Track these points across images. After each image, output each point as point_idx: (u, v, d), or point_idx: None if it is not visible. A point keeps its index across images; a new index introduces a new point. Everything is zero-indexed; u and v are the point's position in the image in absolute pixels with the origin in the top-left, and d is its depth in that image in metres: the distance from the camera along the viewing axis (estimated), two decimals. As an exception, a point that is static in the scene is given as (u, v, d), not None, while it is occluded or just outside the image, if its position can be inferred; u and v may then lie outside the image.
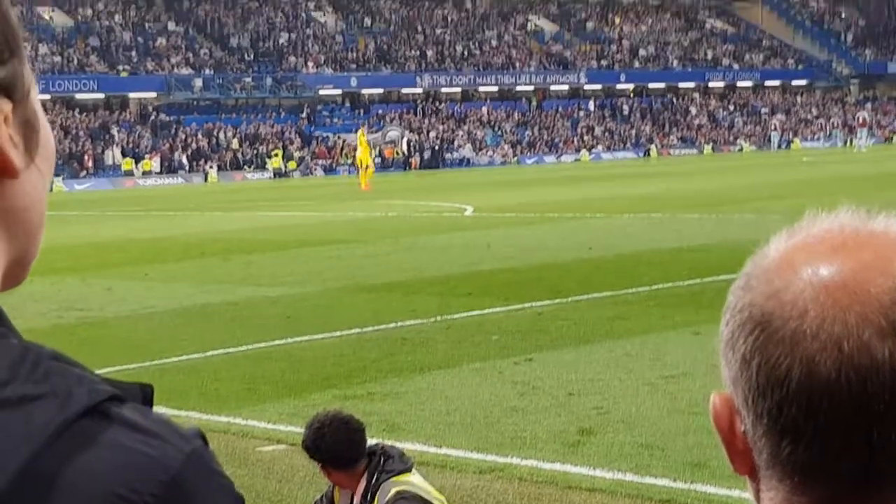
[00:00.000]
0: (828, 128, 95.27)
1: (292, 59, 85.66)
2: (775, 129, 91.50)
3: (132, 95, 78.20)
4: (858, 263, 1.10)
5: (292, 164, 74.33)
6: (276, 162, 73.61)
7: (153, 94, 77.89)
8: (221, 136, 76.28)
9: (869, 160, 56.67)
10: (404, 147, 78.79)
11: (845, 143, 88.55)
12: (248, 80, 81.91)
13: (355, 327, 14.36)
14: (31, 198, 1.15)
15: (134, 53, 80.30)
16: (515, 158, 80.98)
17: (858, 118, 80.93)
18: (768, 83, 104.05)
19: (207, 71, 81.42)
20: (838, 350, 1.07)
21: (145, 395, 1.07)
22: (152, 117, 76.28)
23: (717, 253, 20.09)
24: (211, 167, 71.90)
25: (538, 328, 13.87)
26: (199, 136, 75.65)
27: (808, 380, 1.08)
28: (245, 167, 73.74)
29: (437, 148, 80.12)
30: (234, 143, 75.88)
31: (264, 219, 34.19)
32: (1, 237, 1.13)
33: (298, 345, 13.56)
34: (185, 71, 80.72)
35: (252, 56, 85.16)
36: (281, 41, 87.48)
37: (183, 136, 75.17)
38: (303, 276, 19.72)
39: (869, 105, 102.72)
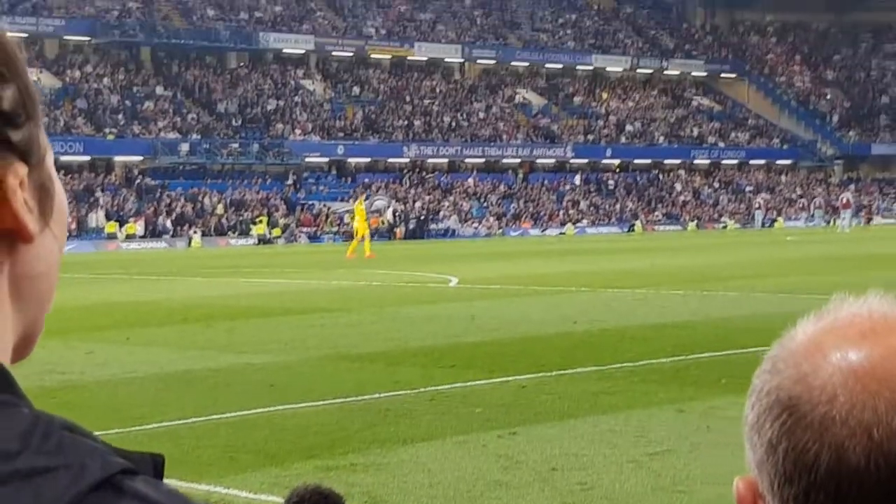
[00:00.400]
0: (811, 208, 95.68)
1: (279, 125, 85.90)
2: (759, 207, 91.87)
3: (118, 158, 78.30)
4: (888, 349, 1.09)
5: (277, 231, 74.31)
6: (260, 228, 73.61)
7: (139, 158, 77.97)
8: (206, 201, 76.29)
9: (852, 241, 56.85)
10: (390, 216, 78.85)
11: (828, 223, 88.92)
12: (235, 145, 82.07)
13: (338, 397, 14.28)
14: (46, 264, 1.13)
15: (121, 116, 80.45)
16: (500, 230, 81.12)
17: (842, 199, 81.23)
18: (753, 161, 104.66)
19: (194, 136, 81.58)
20: (868, 437, 1.05)
21: (156, 466, 1.05)
22: (137, 181, 76.31)
23: (702, 330, 20.09)
24: (195, 232, 71.85)
25: (522, 402, 13.80)
26: (184, 200, 75.65)
27: (837, 466, 1.06)
28: (229, 233, 73.70)
29: (422, 218, 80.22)
30: (219, 209, 75.87)
31: (248, 285, 34.12)
32: (13, 306, 1.11)
33: (281, 413, 13.47)
34: (172, 135, 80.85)
35: (239, 122, 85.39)
36: (269, 108, 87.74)
37: (167, 201, 75.16)
38: (286, 344, 19.64)
39: (852, 186, 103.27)
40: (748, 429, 1.15)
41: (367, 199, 71.76)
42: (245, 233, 73.91)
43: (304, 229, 75.99)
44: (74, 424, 1.05)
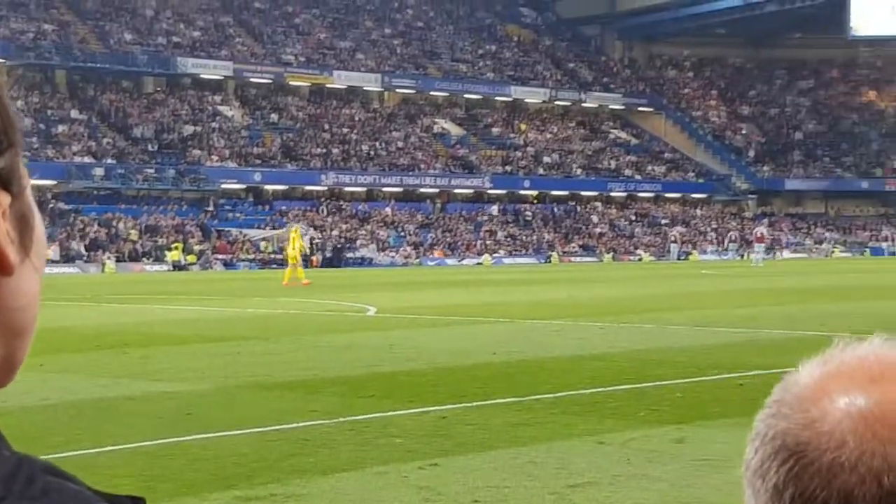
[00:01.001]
0: (725, 241, 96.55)
1: (196, 151, 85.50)
2: (675, 240, 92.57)
3: (31, 182, 77.39)
4: None
5: (192, 258, 73.85)
6: (175, 255, 73.12)
7: (52, 182, 77.19)
8: (121, 226, 75.67)
9: (764, 275, 57.35)
10: (306, 244, 78.56)
11: (742, 256, 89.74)
12: (151, 171, 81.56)
13: (257, 426, 14.12)
14: (26, 296, 1.10)
15: (34, 139, 79.64)
16: (417, 260, 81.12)
17: (756, 233, 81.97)
18: (668, 194, 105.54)
19: (109, 160, 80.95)
20: (878, 484, 1.04)
21: None
22: (50, 205, 75.54)
23: (619, 362, 20.11)
24: (109, 258, 71.19)
25: (442, 432, 13.71)
26: (98, 225, 74.99)
27: None
28: (144, 259, 73.10)
29: (339, 246, 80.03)
30: (133, 235, 75.26)
31: (162, 312, 33.80)
32: None
33: (198, 442, 13.28)
34: (86, 159, 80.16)
35: (155, 147, 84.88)
36: (185, 133, 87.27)
37: (81, 226, 74.45)
38: (202, 372, 19.42)
39: (766, 220, 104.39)
40: (751, 473, 1.12)
41: (270, 224, 71.50)
42: (160, 259, 73.35)
43: (220, 256, 75.57)
44: (56, 467, 1.03)
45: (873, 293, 39.41)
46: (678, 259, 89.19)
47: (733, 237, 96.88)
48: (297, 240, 53.27)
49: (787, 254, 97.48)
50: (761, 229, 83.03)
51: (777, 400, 1.14)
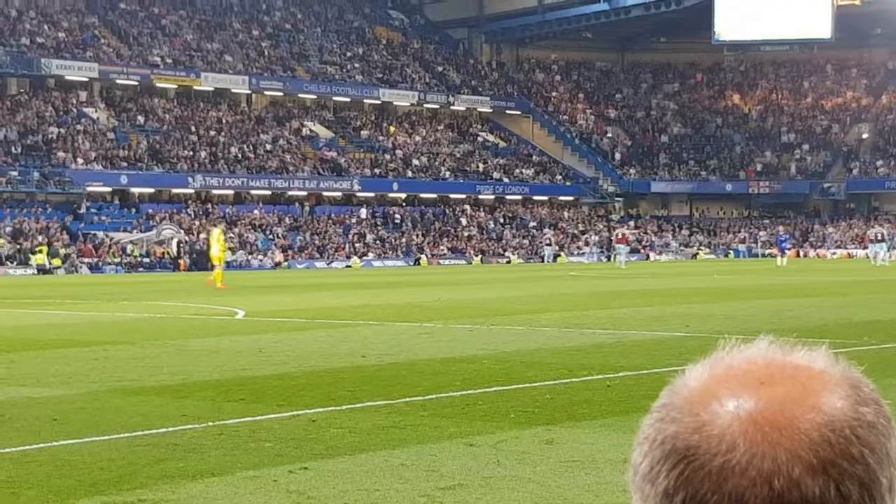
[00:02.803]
0: (590, 244, 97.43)
1: (61, 154, 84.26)
2: (549, 243, 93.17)
3: None
4: (786, 397, 1.08)
5: (57, 262, 72.82)
6: (40, 258, 72.05)
7: (-86, 185, 75.69)
8: (-16, 229, 74.42)
9: (629, 276, 58.01)
10: (174, 248, 77.91)
11: (608, 258, 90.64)
12: (14, 173, 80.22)
13: (124, 431, 13.97)
14: None
15: None
16: (286, 263, 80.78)
17: (617, 234, 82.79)
18: (537, 197, 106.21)
19: (-28, 163, 79.57)
20: (769, 487, 1.04)
21: None
22: (-88, 208, 74.11)
23: (489, 364, 20.21)
24: (-28, 261, 69.99)
25: (312, 436, 13.69)
26: (-39, 228, 73.72)
27: None
28: (7, 263, 71.92)
29: (206, 249, 79.43)
30: (3, 242, 74.06)
31: (27, 316, 33.32)
32: None
33: (65, 448, 13.11)
34: (-51, 162, 78.75)
35: (19, 149, 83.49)
36: (50, 135, 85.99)
37: (-57, 229, 73.18)
38: (68, 377, 19.18)
39: (632, 223, 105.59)
40: (639, 478, 1.11)
41: (139, 227, 70.79)
42: (24, 262, 72.23)
43: (86, 259, 74.60)
44: None
45: (733, 294, 40.07)
46: (554, 262, 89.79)
47: (594, 240, 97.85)
48: (221, 242, 52.89)
49: (653, 255, 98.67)
50: (622, 230, 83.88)
51: (665, 404, 1.12)
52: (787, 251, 78.57)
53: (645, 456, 1.11)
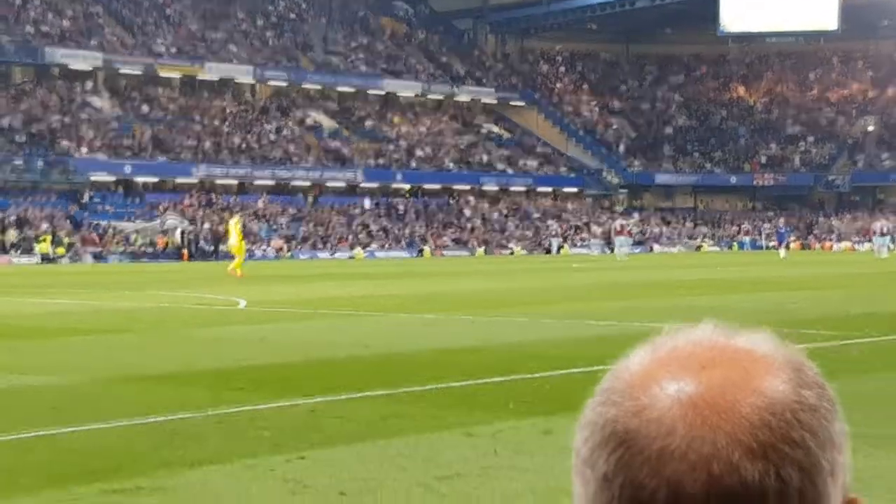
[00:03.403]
0: (590, 236, 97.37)
1: (65, 142, 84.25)
2: (556, 234, 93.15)
3: None
4: (727, 381, 1.07)
5: (61, 250, 72.85)
6: (44, 247, 72.08)
7: (-82, 173, 75.73)
8: (-12, 218, 74.48)
9: (629, 268, 57.99)
10: (178, 237, 77.94)
11: (612, 250, 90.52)
12: (19, 162, 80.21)
13: (124, 419, 13.99)
14: None
15: None
16: (289, 253, 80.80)
17: (616, 226, 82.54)
18: (541, 188, 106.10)
19: (-24, 151, 79.57)
20: (707, 472, 1.03)
21: None
22: (-84, 196, 74.16)
23: (490, 355, 20.22)
24: (-25, 250, 70.06)
25: (311, 425, 13.70)
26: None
27: (675, 501, 1.03)
28: (11, 251, 71.96)
29: (209, 239, 79.47)
30: (13, 235, 74.12)
31: (30, 305, 33.35)
32: None
33: (64, 436, 13.14)
34: (-47, 150, 78.78)
35: (24, 138, 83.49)
36: (54, 124, 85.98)
37: (-53, 218, 73.24)
38: (70, 365, 19.21)
39: (637, 214, 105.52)
40: (580, 462, 1.11)
41: (141, 216, 70.87)
42: (28, 251, 72.28)
43: (90, 248, 74.64)
44: None
45: (735, 287, 40.07)
46: (558, 253, 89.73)
47: (596, 232, 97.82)
48: (237, 231, 53.04)
49: (657, 247, 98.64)
50: (620, 222, 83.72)
51: (607, 388, 1.12)
52: (787, 243, 78.48)
53: (586, 440, 1.11)
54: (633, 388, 1.09)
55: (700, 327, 1.14)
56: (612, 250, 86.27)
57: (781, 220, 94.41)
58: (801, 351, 1.14)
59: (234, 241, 52.62)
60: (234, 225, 53.84)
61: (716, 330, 1.14)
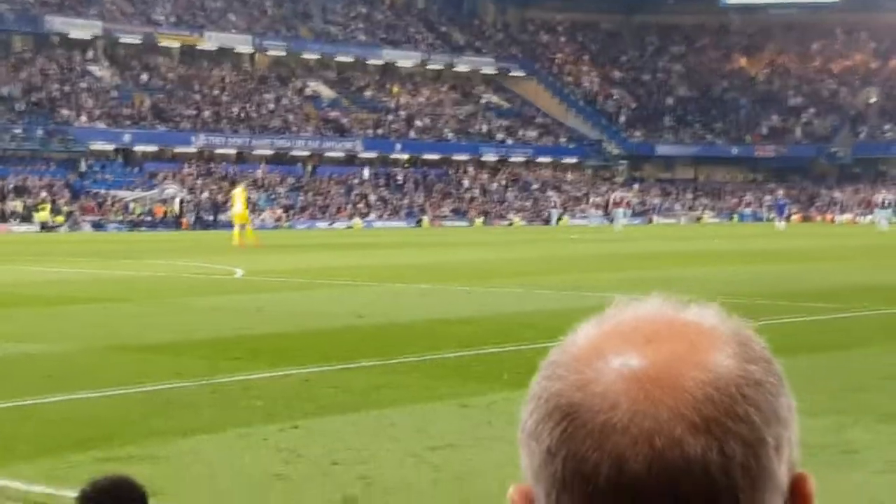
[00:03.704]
0: (590, 207, 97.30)
1: (65, 111, 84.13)
2: (555, 206, 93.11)
3: None
4: (672, 355, 1.06)
5: (60, 219, 72.82)
6: (43, 215, 72.05)
7: (-83, 141, 75.60)
8: (-12, 186, 74.44)
9: (627, 239, 57.98)
10: (176, 206, 77.91)
11: (611, 221, 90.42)
12: (18, 130, 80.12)
13: (118, 387, 14.03)
14: None
15: None
16: (288, 222, 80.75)
17: (615, 198, 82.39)
18: (540, 159, 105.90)
19: (-25, 120, 79.44)
20: (649, 446, 1.02)
21: None
22: (-85, 164, 74.06)
23: (485, 325, 20.25)
24: (-26, 218, 70.03)
25: (305, 395, 13.74)
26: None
27: (618, 475, 1.03)
28: (11, 219, 71.95)
29: (208, 208, 79.45)
30: (19, 205, 74.10)
31: (28, 273, 33.38)
32: None
33: (58, 404, 13.18)
34: (-48, 118, 78.65)
35: (23, 107, 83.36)
36: (54, 93, 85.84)
37: (-54, 185, 73.17)
38: (65, 334, 19.25)
39: (637, 185, 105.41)
40: (525, 436, 1.09)
41: (141, 186, 70.83)
42: (27, 219, 72.28)
43: (88, 217, 74.63)
44: None
45: (734, 258, 40.11)
46: (557, 224, 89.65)
47: (595, 203, 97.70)
48: (243, 200, 53.18)
49: (657, 219, 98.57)
50: (619, 193, 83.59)
51: (553, 361, 1.10)
52: (788, 215, 78.44)
53: (531, 413, 1.09)
54: (578, 361, 1.08)
55: (648, 300, 1.13)
56: (612, 221, 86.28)
57: (780, 192, 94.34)
58: (750, 325, 1.12)
59: (240, 209, 52.70)
60: (241, 193, 53.94)
61: (664, 303, 1.12)
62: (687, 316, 1.11)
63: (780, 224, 74.71)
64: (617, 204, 78.91)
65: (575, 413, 1.05)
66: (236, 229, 51.94)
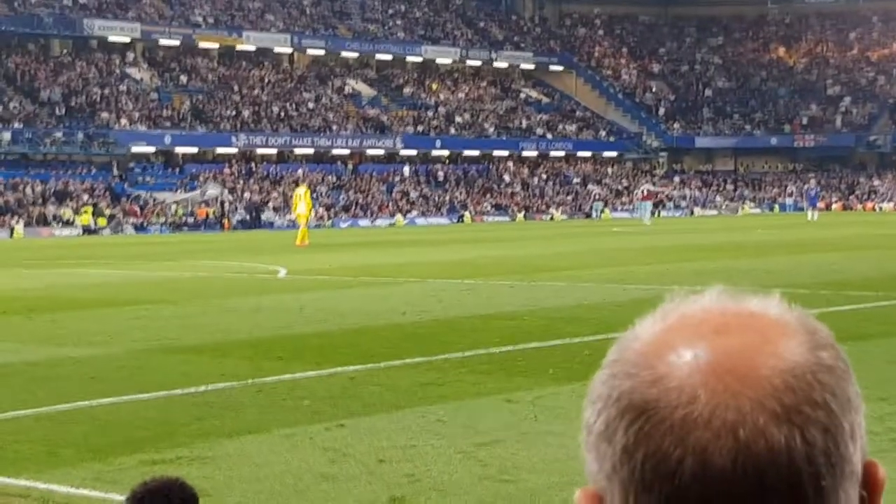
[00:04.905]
0: (633, 200, 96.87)
1: (105, 114, 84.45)
2: (597, 199, 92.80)
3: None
4: (745, 346, 1.05)
5: (102, 222, 73.14)
6: (85, 219, 72.38)
7: (-40, 147, 76.03)
8: (29, 190, 74.76)
9: (668, 232, 57.71)
10: (219, 207, 78.12)
11: (654, 214, 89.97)
12: (59, 134, 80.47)
13: (163, 390, 14.03)
14: None
15: (-59, 104, 78.46)
16: (330, 221, 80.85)
17: (643, 191, 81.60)
18: (580, 153, 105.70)
19: (16, 124, 79.78)
20: (734, 438, 1.01)
21: None
22: (-42, 170, 74.49)
23: (529, 320, 20.18)
24: (17, 222, 70.33)
25: (350, 393, 13.70)
26: (4, 189, 74.07)
27: (702, 470, 1.01)
28: (53, 223, 72.31)
29: (250, 208, 79.61)
30: (42, 199, 74.42)
31: (71, 276, 33.47)
32: None
33: (103, 407, 13.18)
34: (-6, 124, 79.03)
35: (63, 110, 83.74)
36: (94, 96, 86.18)
37: (-12, 191, 73.57)
38: (109, 337, 19.26)
39: (677, 178, 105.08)
40: (594, 437, 1.07)
41: (182, 188, 70.97)
42: (69, 223, 72.61)
43: (131, 220, 74.91)
44: None
45: (775, 249, 39.88)
46: (600, 217, 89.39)
47: (640, 195, 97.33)
48: (307, 200, 53.32)
49: (698, 210, 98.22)
50: (647, 187, 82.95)
51: (616, 359, 1.08)
52: (817, 205, 77.43)
53: (599, 414, 1.07)
54: (646, 357, 1.06)
55: (707, 293, 1.11)
56: (655, 214, 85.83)
57: (812, 181, 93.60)
58: (811, 313, 1.11)
59: (304, 209, 52.80)
60: (306, 194, 54.09)
61: (724, 294, 1.11)
62: (751, 306, 1.10)
63: (813, 214, 73.69)
64: (646, 197, 78.21)
65: (652, 410, 1.03)
66: (303, 228, 52.02)
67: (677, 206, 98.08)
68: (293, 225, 63.76)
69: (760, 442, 1.01)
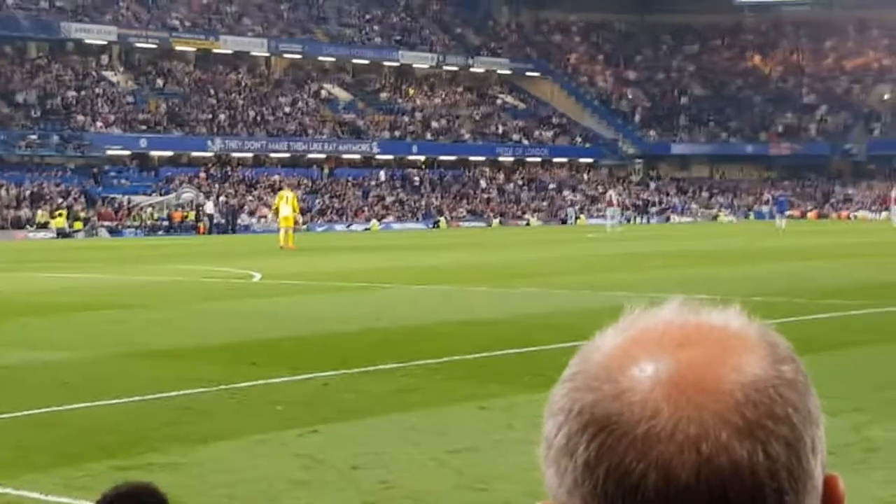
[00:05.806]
0: (604, 206, 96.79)
1: (80, 117, 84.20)
2: (571, 205, 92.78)
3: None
4: (707, 359, 1.04)
5: (77, 225, 72.87)
6: (59, 222, 72.11)
7: (-67, 149, 75.73)
8: (3, 193, 74.49)
9: (641, 238, 57.77)
10: (199, 210, 77.93)
11: (629, 220, 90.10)
12: (34, 137, 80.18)
13: (136, 395, 13.94)
14: None
15: (-85, 106, 78.10)
16: (305, 226, 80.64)
17: (608, 197, 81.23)
18: (556, 159, 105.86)
19: (-9, 126, 79.50)
20: (697, 452, 1.00)
21: None
22: (-68, 172, 74.17)
23: (504, 327, 20.14)
24: (-9, 225, 70.08)
25: (324, 399, 13.65)
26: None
27: (666, 485, 1.00)
28: (27, 226, 72.02)
29: (226, 212, 79.45)
30: (17, 202, 74.13)
31: (44, 280, 33.33)
32: None
33: (75, 412, 13.10)
34: (-32, 126, 78.74)
35: (39, 113, 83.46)
36: (69, 99, 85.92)
37: (-37, 193, 73.24)
38: (81, 341, 19.18)
39: (652, 185, 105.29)
40: (554, 452, 1.05)
41: (158, 191, 70.72)
42: (44, 226, 72.34)
43: (105, 223, 74.66)
44: None
45: (746, 257, 39.93)
46: (575, 223, 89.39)
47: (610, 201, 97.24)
48: (292, 202, 53.32)
49: (674, 218, 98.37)
50: (611, 193, 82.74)
51: (578, 372, 1.06)
52: (785, 212, 76.90)
53: (560, 428, 1.05)
54: (608, 370, 1.04)
55: (667, 304, 1.10)
56: (629, 221, 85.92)
57: (781, 190, 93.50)
58: (771, 326, 1.10)
59: (288, 212, 52.80)
60: (293, 199, 54.10)
61: (685, 307, 1.10)
62: (712, 319, 1.08)
63: (781, 222, 72.35)
64: (610, 203, 77.86)
65: (614, 424, 1.01)
66: (282, 232, 52.07)
67: (652, 214, 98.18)
68: (271, 230, 63.68)
69: (723, 456, 1.00)
